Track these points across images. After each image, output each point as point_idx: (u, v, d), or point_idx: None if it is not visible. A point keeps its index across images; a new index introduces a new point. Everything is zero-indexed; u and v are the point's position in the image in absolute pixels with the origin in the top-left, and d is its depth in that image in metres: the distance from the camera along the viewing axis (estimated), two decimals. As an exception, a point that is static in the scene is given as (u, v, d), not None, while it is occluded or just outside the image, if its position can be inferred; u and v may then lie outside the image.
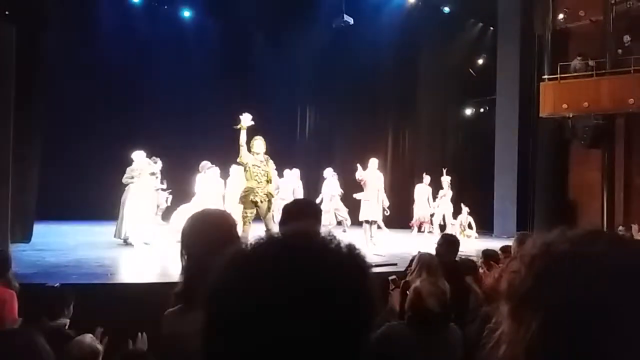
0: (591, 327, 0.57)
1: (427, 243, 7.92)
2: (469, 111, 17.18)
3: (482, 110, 16.75)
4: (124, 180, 9.15)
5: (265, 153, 7.42)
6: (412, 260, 4.11)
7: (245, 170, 7.25)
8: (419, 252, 4.20)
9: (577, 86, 13.32)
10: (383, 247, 9.31)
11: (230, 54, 14.76)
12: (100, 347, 2.90)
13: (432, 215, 12.00)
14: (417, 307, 2.59)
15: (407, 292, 3.04)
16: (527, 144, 14.03)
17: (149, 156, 9.79)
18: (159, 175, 10.61)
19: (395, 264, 6.84)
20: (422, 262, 3.73)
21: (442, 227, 12.06)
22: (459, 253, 4.79)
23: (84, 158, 12.21)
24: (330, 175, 12.13)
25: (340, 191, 11.97)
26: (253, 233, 6.97)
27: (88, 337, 2.91)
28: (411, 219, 12.93)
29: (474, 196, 13.61)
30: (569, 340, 0.57)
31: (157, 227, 9.23)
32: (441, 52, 15.53)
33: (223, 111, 14.00)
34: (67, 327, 3.21)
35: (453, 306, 2.74)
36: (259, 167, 7.17)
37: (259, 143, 7.32)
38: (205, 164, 9.89)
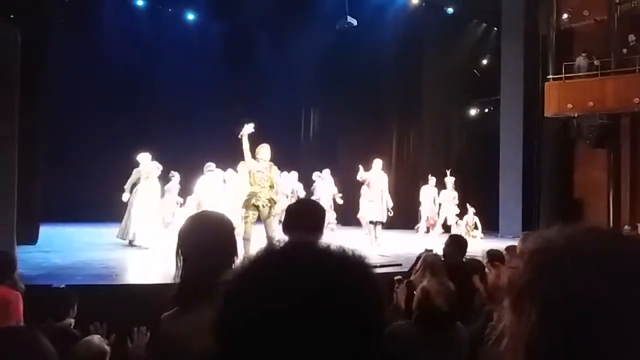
0: (589, 320, 0.58)
1: (432, 243, 7.90)
2: (473, 111, 17.15)
3: (486, 110, 16.71)
4: (127, 185, 9.20)
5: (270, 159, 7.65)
6: (417, 260, 4.10)
7: (249, 175, 7.50)
8: (425, 249, 4.19)
9: (582, 86, 13.28)
10: (388, 248, 9.30)
11: (234, 56, 14.78)
12: (107, 347, 2.91)
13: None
14: (425, 306, 2.58)
15: (413, 291, 3.03)
16: (532, 144, 13.99)
17: (166, 170, 9.87)
18: (175, 189, 10.76)
19: (400, 264, 6.83)
20: (426, 262, 3.73)
21: (446, 227, 12.05)
22: (466, 253, 4.78)
23: (89, 160, 12.25)
24: (327, 176, 12.21)
25: (335, 191, 12.03)
26: (255, 235, 7.12)
27: (96, 338, 2.92)
28: (416, 220, 12.93)
29: (479, 196, 13.58)
30: (567, 332, 0.58)
31: (162, 230, 9.25)
32: (445, 53, 15.51)
33: (226, 113, 14.01)
34: (72, 326, 3.22)
35: (459, 306, 2.73)
36: (263, 172, 7.43)
37: (265, 150, 7.61)
38: (209, 165, 9.90)
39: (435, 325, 2.56)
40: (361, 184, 10.33)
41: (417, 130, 16.30)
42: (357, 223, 11.68)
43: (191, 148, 11.84)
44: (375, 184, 9.70)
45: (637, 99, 12.35)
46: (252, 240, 6.95)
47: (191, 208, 9.40)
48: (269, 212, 7.28)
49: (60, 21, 10.11)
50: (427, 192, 12.13)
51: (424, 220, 12.28)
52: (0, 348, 1.21)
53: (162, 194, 10.04)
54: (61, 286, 4.18)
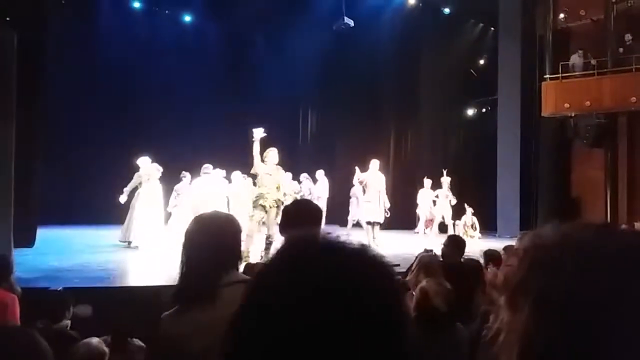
0: (583, 314, 0.59)
1: (431, 243, 7.90)
2: (470, 112, 17.17)
3: (484, 110, 16.74)
4: (127, 188, 9.22)
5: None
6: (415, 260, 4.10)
7: (257, 178, 7.84)
8: (425, 249, 4.19)
9: (578, 85, 13.30)
10: (386, 248, 9.30)
11: (231, 58, 14.78)
12: (106, 349, 2.91)
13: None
14: (424, 307, 2.58)
15: (409, 292, 3.03)
16: (529, 144, 14.01)
17: (178, 171, 9.88)
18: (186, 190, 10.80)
19: (398, 265, 6.82)
20: (421, 262, 3.72)
21: (443, 227, 12.09)
22: (464, 254, 4.78)
23: (87, 161, 12.23)
24: (321, 177, 12.25)
25: (327, 193, 12.09)
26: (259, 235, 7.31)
27: (95, 340, 2.92)
28: (414, 221, 12.96)
29: (476, 196, 13.60)
30: (561, 327, 0.59)
31: (162, 232, 9.25)
32: (442, 53, 15.53)
33: (224, 114, 14.04)
34: (68, 327, 3.21)
35: (458, 306, 2.73)
36: (271, 175, 7.73)
37: (273, 154, 7.91)
38: (206, 167, 9.91)
39: (434, 325, 2.56)
40: (352, 185, 10.39)
41: (415, 130, 16.31)
42: (355, 224, 11.69)
43: (189, 149, 11.84)
44: (373, 184, 9.71)
45: (633, 98, 12.37)
46: (254, 239, 7.18)
47: (186, 210, 9.40)
48: (276, 213, 7.45)
49: (57, 24, 10.07)
50: (425, 195, 12.26)
51: (422, 222, 12.34)
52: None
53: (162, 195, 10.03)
54: (58, 289, 4.16)
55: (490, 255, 4.74)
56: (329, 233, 0.70)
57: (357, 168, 9.92)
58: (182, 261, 1.80)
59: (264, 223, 7.48)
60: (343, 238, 0.70)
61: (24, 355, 1.17)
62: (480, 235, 12.73)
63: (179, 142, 12.56)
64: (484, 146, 14.88)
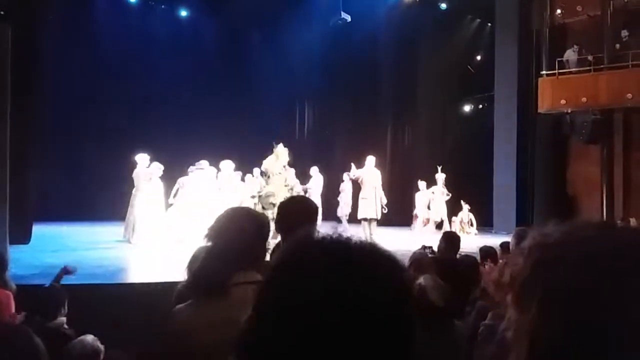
0: (588, 311, 0.60)
1: (428, 240, 7.92)
2: (467, 108, 17.17)
3: (480, 106, 16.74)
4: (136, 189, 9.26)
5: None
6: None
7: (267, 176, 8.17)
8: (423, 246, 4.20)
9: (575, 81, 13.31)
10: (383, 245, 9.30)
11: (227, 52, 14.73)
12: (101, 347, 2.90)
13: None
14: (420, 303, 2.58)
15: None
16: (525, 140, 14.02)
17: (174, 165, 9.90)
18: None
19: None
20: (413, 259, 3.73)
21: (439, 224, 12.14)
22: (460, 250, 4.79)
23: (83, 158, 12.20)
24: (315, 173, 12.27)
25: (320, 189, 12.10)
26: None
27: (90, 337, 2.91)
28: (411, 217, 13.02)
29: (473, 193, 13.62)
30: (567, 324, 0.61)
31: (161, 230, 9.25)
32: (439, 49, 15.51)
33: (220, 109, 14.02)
34: (64, 325, 3.20)
35: (453, 302, 2.73)
36: (281, 174, 8.03)
37: (284, 153, 8.28)
38: (199, 163, 9.92)
39: (431, 321, 2.56)
40: (342, 181, 10.41)
41: (412, 126, 16.31)
42: (353, 220, 11.69)
43: (185, 144, 11.79)
44: (368, 180, 9.71)
45: (629, 94, 12.39)
46: None
47: (181, 207, 9.39)
48: None
49: (51, 17, 10.01)
50: (421, 197, 12.39)
51: (420, 221, 12.42)
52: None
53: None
54: (55, 285, 4.14)
55: (485, 251, 4.75)
56: (335, 231, 0.71)
57: (352, 165, 9.92)
58: (202, 254, 1.77)
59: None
60: (350, 236, 0.71)
61: (19, 352, 1.17)
62: (476, 231, 12.76)
63: (176, 137, 12.53)
64: (481, 142, 14.89)
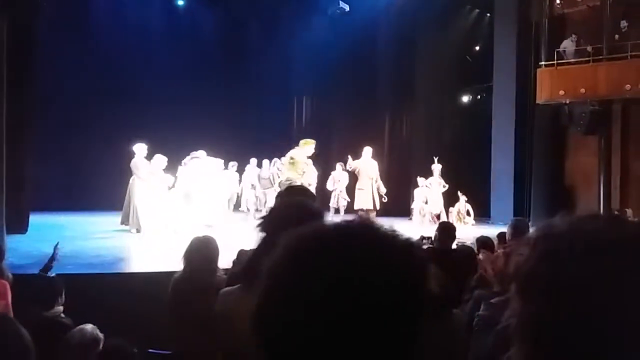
0: (591, 302, 0.61)
1: (427, 231, 7.94)
2: (466, 98, 17.13)
3: (479, 97, 16.70)
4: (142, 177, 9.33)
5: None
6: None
7: (292, 163, 8.45)
8: (422, 236, 4.20)
9: (573, 72, 13.28)
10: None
11: (225, 43, 14.65)
12: (101, 335, 2.91)
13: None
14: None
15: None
16: (523, 131, 14.01)
17: (171, 157, 9.85)
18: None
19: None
20: None
21: (437, 215, 12.17)
22: (457, 240, 4.81)
23: (80, 147, 12.15)
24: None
25: (315, 182, 12.13)
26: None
27: (89, 326, 2.92)
28: (409, 208, 13.06)
29: (471, 183, 13.64)
30: (568, 313, 0.62)
31: (167, 220, 9.25)
32: (437, 39, 15.44)
33: (218, 101, 13.96)
34: (61, 314, 3.21)
35: (450, 292, 2.73)
36: (307, 165, 8.38)
37: (311, 146, 8.58)
38: (194, 153, 9.92)
39: (430, 310, 2.56)
40: (351, 172, 10.38)
41: (410, 117, 16.28)
42: (350, 212, 11.71)
43: (182, 135, 11.75)
44: (365, 172, 9.71)
45: (628, 85, 12.37)
46: None
47: (175, 198, 9.39)
48: None
49: (49, 6, 9.92)
50: (419, 192, 12.43)
51: (418, 212, 12.46)
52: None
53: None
54: (53, 275, 4.14)
55: (482, 241, 4.77)
56: (351, 219, 0.71)
57: (349, 156, 9.92)
58: (257, 239, 1.77)
59: None
60: (372, 223, 0.71)
61: (4, 342, 1.16)
62: (474, 221, 12.80)
63: (173, 127, 12.46)
64: (479, 133, 14.89)
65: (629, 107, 13.52)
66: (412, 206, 12.89)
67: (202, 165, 9.93)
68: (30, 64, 8.59)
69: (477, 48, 16.53)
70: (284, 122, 16.08)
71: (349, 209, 11.39)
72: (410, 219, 12.91)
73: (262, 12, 14.62)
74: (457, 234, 4.82)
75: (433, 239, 4.63)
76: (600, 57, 13.00)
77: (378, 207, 9.84)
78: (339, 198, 11.85)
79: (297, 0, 13.93)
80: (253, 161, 12.58)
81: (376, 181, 10.06)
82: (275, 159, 12.85)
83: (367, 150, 9.85)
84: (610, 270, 0.61)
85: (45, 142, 10.69)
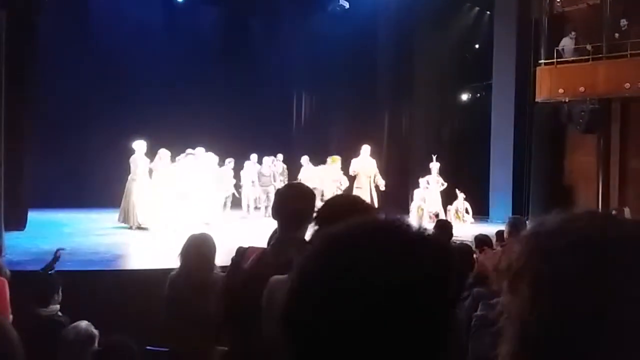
0: (577, 297, 0.62)
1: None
2: (465, 96, 17.12)
3: (478, 95, 16.69)
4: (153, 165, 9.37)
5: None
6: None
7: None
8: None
9: (573, 71, 13.27)
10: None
11: (224, 40, 14.63)
12: (96, 332, 2.91)
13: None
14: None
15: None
16: (523, 129, 14.01)
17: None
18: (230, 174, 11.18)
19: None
20: None
21: (436, 214, 12.19)
22: (455, 238, 4.81)
23: (79, 144, 12.13)
24: (306, 163, 12.31)
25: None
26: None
27: (84, 323, 2.92)
28: (407, 206, 13.06)
29: (469, 181, 13.64)
30: (553, 307, 0.63)
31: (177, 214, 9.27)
32: (437, 37, 15.42)
33: (217, 98, 13.95)
34: (58, 312, 3.20)
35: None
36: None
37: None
38: (189, 150, 9.93)
39: (456, 307, 2.55)
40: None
41: (409, 115, 16.26)
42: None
43: (181, 131, 11.74)
44: (363, 170, 9.73)
45: (628, 84, 12.36)
46: None
47: (172, 193, 9.38)
48: None
49: (48, 3, 9.90)
50: (418, 193, 12.48)
51: (416, 211, 12.48)
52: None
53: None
54: (50, 272, 4.14)
55: (480, 239, 4.78)
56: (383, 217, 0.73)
57: (352, 161, 10.02)
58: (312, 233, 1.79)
59: None
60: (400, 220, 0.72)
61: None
62: (472, 220, 12.80)
63: (172, 124, 12.44)
64: (478, 131, 14.88)
65: (628, 105, 13.52)
66: (411, 206, 12.87)
67: (197, 162, 9.93)
68: (29, 61, 8.58)
69: (477, 46, 16.51)
70: (283, 119, 16.07)
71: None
72: (408, 217, 12.93)
73: (262, 9, 14.59)
74: (456, 232, 4.83)
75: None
76: (600, 55, 12.99)
77: (376, 206, 9.84)
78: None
79: (297, -3, 13.91)
80: (253, 157, 12.53)
81: (374, 179, 10.07)
82: (279, 155, 12.85)
83: (365, 148, 9.86)
84: (595, 266, 0.62)
85: (44, 138, 10.67)
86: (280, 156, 12.84)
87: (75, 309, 3.58)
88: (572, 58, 13.42)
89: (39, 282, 3.41)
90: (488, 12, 15.65)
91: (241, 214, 11.94)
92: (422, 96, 15.80)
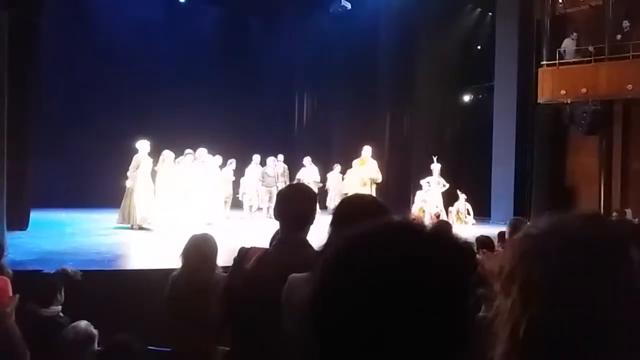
0: (558, 294, 0.64)
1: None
2: (467, 97, 17.11)
3: (480, 96, 16.68)
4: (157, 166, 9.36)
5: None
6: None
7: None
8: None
9: (575, 72, 13.26)
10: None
11: (226, 41, 14.64)
12: (95, 331, 2.91)
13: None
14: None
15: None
16: (524, 130, 13.99)
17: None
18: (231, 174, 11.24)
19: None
20: None
21: (437, 215, 12.17)
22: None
23: (81, 144, 12.14)
24: (309, 164, 12.32)
25: (318, 178, 12.18)
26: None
27: (83, 323, 2.92)
28: (409, 206, 13.07)
29: (471, 182, 13.63)
30: (541, 307, 0.65)
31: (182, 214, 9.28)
32: (439, 38, 15.42)
33: (219, 98, 13.95)
34: (59, 313, 3.21)
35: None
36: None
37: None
38: (189, 151, 9.93)
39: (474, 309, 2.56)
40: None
41: (410, 116, 16.25)
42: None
43: (183, 132, 11.75)
44: (364, 173, 9.76)
45: (630, 85, 12.35)
46: None
47: (175, 194, 9.38)
48: None
49: (51, 2, 9.91)
50: (420, 195, 12.49)
51: (416, 212, 12.48)
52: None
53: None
54: (52, 272, 4.14)
55: (481, 241, 4.77)
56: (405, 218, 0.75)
57: (354, 162, 10.06)
58: (329, 232, 1.78)
59: None
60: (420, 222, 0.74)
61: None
62: (474, 221, 12.79)
63: (174, 124, 12.46)
64: (480, 132, 14.87)
65: (630, 107, 13.50)
66: (412, 208, 12.86)
67: (197, 162, 9.94)
68: (32, 60, 8.59)
69: (479, 47, 16.50)
70: (284, 119, 16.08)
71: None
72: (411, 217, 12.93)
73: (264, 9, 14.60)
74: (457, 233, 4.82)
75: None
76: (602, 57, 12.97)
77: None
78: (335, 199, 11.89)
79: (299, -2, 13.91)
80: (256, 158, 12.52)
81: (374, 178, 10.12)
82: (280, 156, 12.85)
83: (367, 150, 9.86)
84: (583, 268, 0.64)
85: (46, 138, 10.69)
86: (281, 157, 12.84)
87: (77, 309, 3.58)
88: (574, 59, 13.40)
89: (41, 283, 3.41)
90: (490, 13, 15.64)
91: (241, 215, 11.94)
92: (424, 97, 15.79)
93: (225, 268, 3.35)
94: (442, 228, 0.75)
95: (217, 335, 3.01)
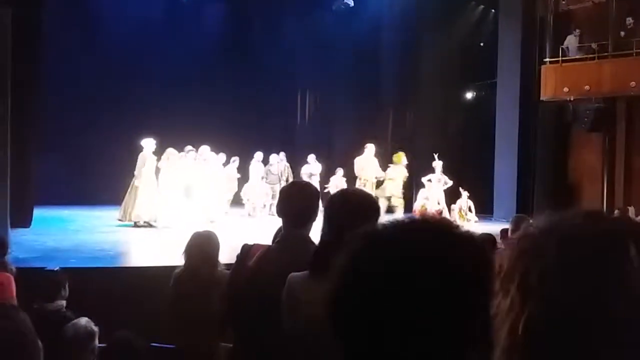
0: (555, 293, 0.64)
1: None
2: (469, 94, 17.08)
3: (483, 93, 16.64)
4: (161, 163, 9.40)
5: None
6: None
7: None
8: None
9: (578, 69, 13.21)
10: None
11: (229, 38, 14.63)
12: (95, 328, 2.92)
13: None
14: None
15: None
16: (527, 128, 13.96)
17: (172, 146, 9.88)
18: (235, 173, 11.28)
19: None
20: None
21: (439, 212, 12.16)
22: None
23: (84, 142, 12.18)
24: (313, 161, 12.33)
25: (319, 171, 12.22)
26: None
27: (83, 319, 2.93)
28: (411, 204, 13.07)
29: (474, 180, 13.60)
30: (538, 306, 0.65)
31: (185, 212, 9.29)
32: (442, 35, 15.38)
33: (221, 95, 13.96)
34: (64, 308, 3.22)
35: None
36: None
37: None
38: (189, 148, 9.95)
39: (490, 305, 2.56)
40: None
41: (413, 113, 16.22)
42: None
43: (186, 129, 11.76)
44: (367, 169, 9.75)
45: (633, 82, 12.30)
46: None
47: (177, 191, 9.40)
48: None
49: (53, 2, 9.92)
50: (422, 193, 12.49)
51: (418, 209, 12.49)
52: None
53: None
54: (55, 269, 4.16)
55: (484, 239, 4.76)
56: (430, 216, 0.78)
57: (355, 162, 10.06)
58: (324, 229, 1.79)
59: None
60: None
61: (8, 331, 1.18)
62: (476, 218, 12.78)
63: (177, 122, 12.46)
64: (482, 129, 14.85)
65: (634, 104, 13.46)
66: (415, 205, 12.84)
67: (201, 159, 9.95)
68: (35, 58, 8.60)
69: (482, 44, 16.45)
70: (287, 117, 16.06)
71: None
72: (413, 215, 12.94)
73: (267, 6, 14.59)
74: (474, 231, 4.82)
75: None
76: (606, 54, 12.92)
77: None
78: None
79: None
80: (258, 155, 12.51)
81: (375, 177, 10.14)
82: (281, 153, 12.85)
83: (370, 147, 9.85)
84: (580, 266, 0.64)
85: (49, 136, 10.72)
86: (282, 154, 12.84)
87: (80, 306, 3.59)
88: (577, 56, 13.35)
89: (45, 278, 3.43)
90: (493, 10, 15.59)
91: (242, 212, 11.94)
92: (427, 94, 15.76)
93: (228, 265, 3.36)
94: (460, 227, 0.76)
95: (220, 332, 3.02)
